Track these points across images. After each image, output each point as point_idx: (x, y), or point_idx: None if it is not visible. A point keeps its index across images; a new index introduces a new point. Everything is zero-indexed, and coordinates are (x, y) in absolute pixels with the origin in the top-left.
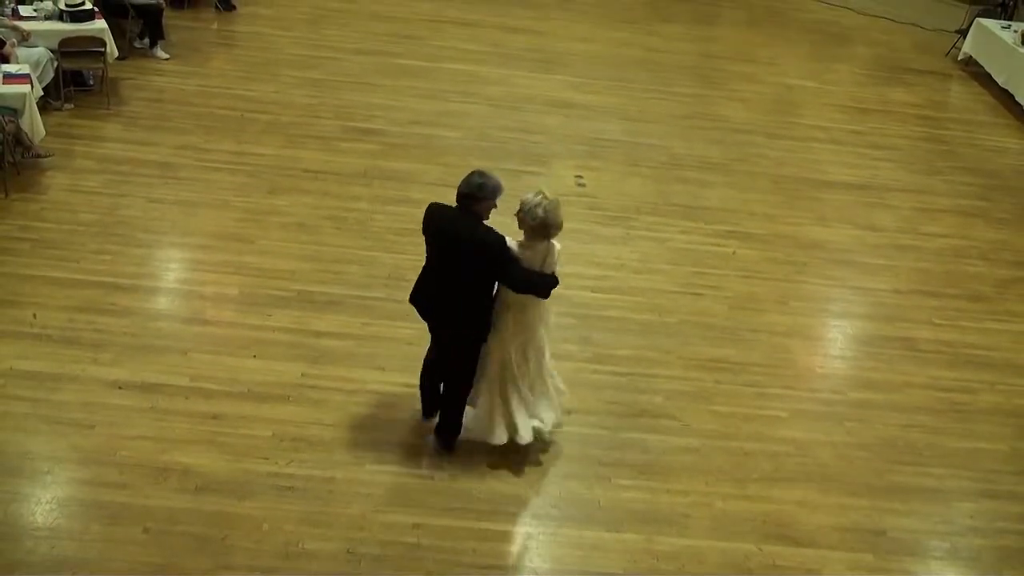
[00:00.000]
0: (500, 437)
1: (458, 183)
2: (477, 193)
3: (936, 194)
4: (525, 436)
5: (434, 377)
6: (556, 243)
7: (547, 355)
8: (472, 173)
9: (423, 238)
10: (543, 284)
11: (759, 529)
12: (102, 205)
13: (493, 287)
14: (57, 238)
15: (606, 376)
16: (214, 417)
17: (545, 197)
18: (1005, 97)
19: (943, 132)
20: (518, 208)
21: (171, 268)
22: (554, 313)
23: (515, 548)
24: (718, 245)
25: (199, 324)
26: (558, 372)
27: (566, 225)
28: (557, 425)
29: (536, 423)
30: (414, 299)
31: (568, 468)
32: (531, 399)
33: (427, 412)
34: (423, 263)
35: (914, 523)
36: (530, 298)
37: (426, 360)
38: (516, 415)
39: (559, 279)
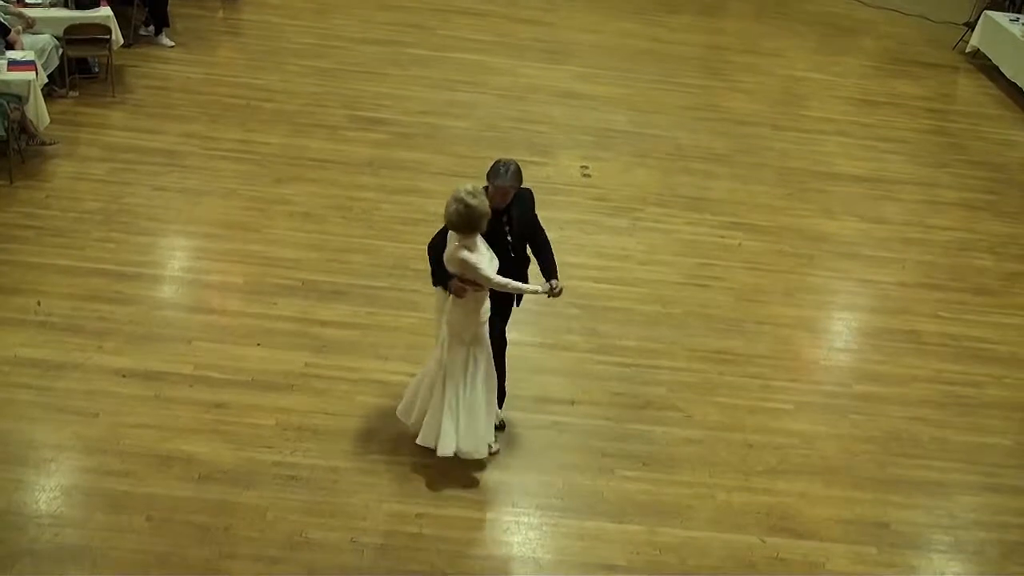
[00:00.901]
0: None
1: (463, 173)
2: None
3: (943, 187)
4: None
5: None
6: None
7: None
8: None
9: (427, 228)
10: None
11: (763, 521)
12: (107, 193)
13: None
14: (62, 226)
15: (610, 367)
16: (218, 406)
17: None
18: (1013, 90)
19: (950, 125)
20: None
21: (176, 256)
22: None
23: (518, 538)
24: (724, 237)
25: (203, 313)
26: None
27: (572, 215)
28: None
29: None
30: None
31: (572, 459)
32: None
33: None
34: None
35: (918, 516)
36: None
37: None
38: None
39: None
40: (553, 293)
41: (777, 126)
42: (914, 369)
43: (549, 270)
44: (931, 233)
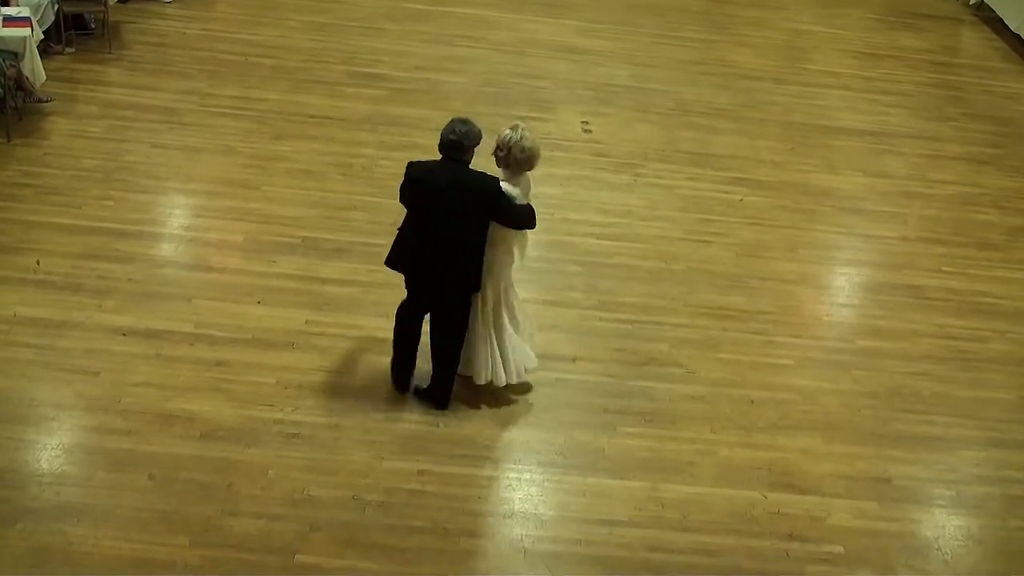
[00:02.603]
0: (484, 377)
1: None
2: (464, 141)
3: (947, 141)
4: (507, 378)
5: (412, 341)
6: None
7: (517, 292)
8: (454, 121)
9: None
10: (533, 215)
11: (764, 477)
12: (105, 151)
13: (487, 233)
14: (60, 184)
15: (612, 324)
16: (219, 364)
17: (524, 128)
18: (1018, 43)
19: (955, 78)
20: (497, 147)
21: (175, 214)
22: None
23: (520, 495)
24: (726, 192)
25: (203, 271)
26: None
27: (573, 171)
28: (534, 367)
29: (518, 364)
30: (397, 263)
31: (573, 416)
32: (516, 340)
33: (404, 386)
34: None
35: (919, 471)
36: (505, 235)
37: (404, 328)
38: (503, 355)
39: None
40: None
41: (780, 80)
42: (916, 324)
43: None
44: (934, 188)
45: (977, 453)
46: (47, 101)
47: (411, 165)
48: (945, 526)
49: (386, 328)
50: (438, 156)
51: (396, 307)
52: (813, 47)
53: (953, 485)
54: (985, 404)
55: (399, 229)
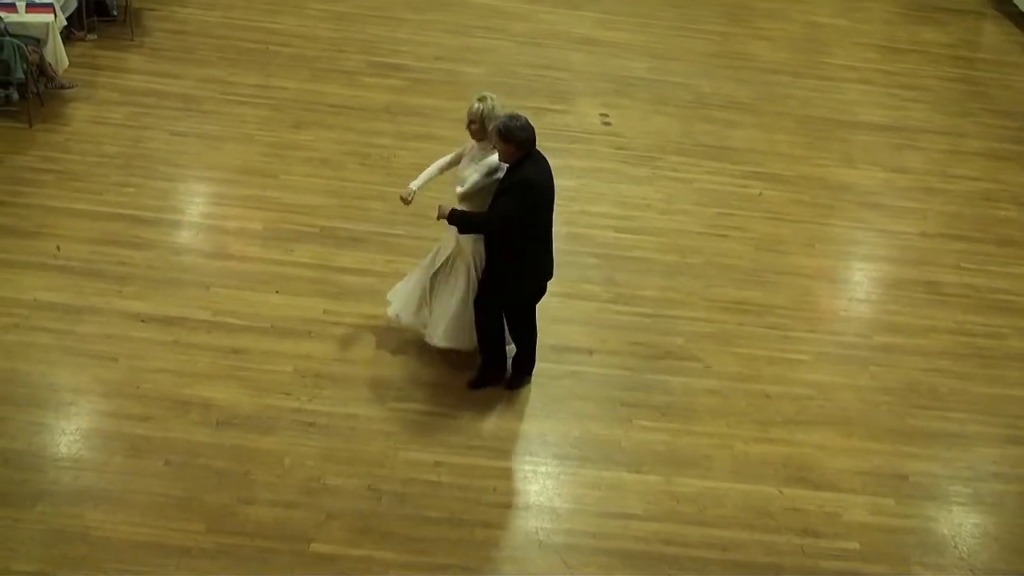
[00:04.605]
0: (395, 310)
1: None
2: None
3: (967, 136)
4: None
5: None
6: None
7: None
8: (514, 118)
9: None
10: (500, 223)
11: (780, 472)
12: (126, 137)
13: None
14: (80, 170)
15: (629, 317)
16: (236, 352)
17: (494, 99)
18: None
19: (976, 73)
20: (471, 120)
21: (194, 202)
22: None
23: (535, 487)
24: (744, 186)
25: (222, 258)
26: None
27: (591, 163)
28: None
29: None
30: (537, 286)
31: (589, 408)
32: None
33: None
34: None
35: (936, 468)
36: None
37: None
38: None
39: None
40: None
41: (799, 74)
42: (934, 320)
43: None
44: (954, 183)
45: (994, 450)
46: (69, 87)
47: (517, 175)
48: (962, 523)
49: None
50: (454, 144)
51: None
52: (833, 40)
53: (970, 482)
54: (1003, 401)
55: (507, 263)
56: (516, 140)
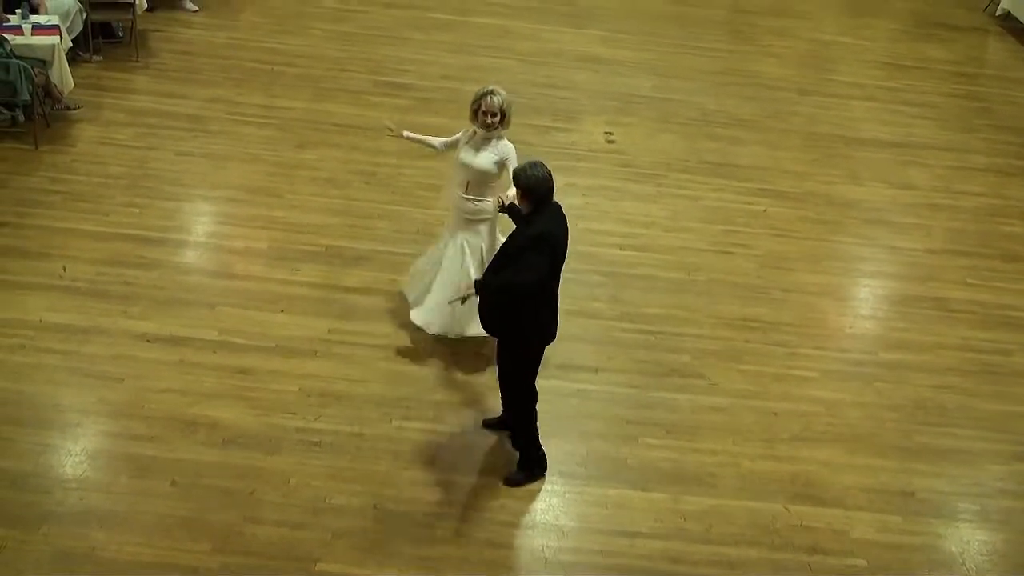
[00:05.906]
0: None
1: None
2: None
3: (972, 152)
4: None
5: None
6: None
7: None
8: (535, 166)
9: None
10: (514, 290)
11: (787, 489)
12: (131, 158)
13: None
14: (87, 190)
15: (635, 335)
16: (242, 371)
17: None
18: None
19: (980, 89)
20: (491, 113)
21: (200, 222)
22: None
23: (541, 505)
24: (749, 203)
25: (227, 278)
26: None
27: (597, 181)
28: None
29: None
30: (548, 337)
31: (595, 426)
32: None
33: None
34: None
35: (943, 485)
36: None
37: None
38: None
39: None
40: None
41: (804, 90)
42: (941, 336)
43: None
44: (959, 199)
45: (1002, 467)
46: (75, 108)
47: (539, 227)
48: (969, 540)
49: (408, 337)
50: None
51: None
52: (838, 57)
53: (978, 499)
54: (1010, 418)
55: (526, 313)
56: (537, 195)
